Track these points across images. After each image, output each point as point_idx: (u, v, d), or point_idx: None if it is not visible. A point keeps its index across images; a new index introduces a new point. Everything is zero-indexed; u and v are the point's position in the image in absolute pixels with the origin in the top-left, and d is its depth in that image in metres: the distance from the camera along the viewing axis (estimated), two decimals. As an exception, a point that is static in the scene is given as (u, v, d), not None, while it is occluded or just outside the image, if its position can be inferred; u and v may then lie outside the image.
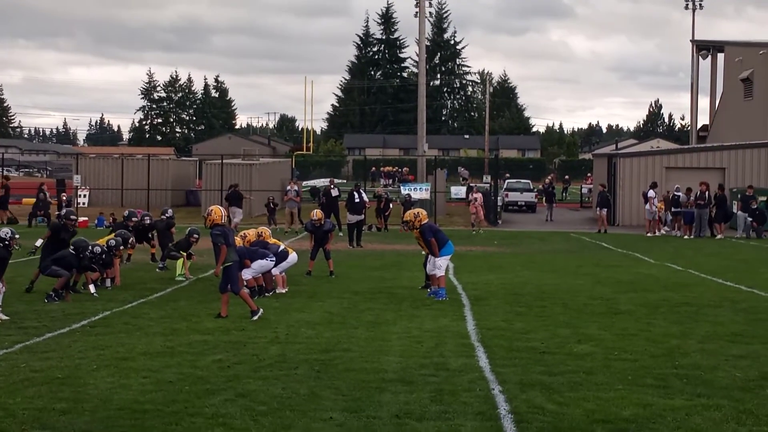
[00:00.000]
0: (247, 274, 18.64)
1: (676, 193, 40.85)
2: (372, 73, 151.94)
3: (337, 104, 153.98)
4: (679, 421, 9.43)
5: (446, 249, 19.16)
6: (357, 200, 34.88)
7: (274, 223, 40.47)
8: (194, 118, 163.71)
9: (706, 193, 39.52)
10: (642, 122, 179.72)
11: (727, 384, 11.17)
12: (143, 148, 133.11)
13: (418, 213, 19.64)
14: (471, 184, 57.61)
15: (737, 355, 13.03)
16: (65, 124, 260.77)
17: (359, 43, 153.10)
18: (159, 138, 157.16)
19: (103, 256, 19.76)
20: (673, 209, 41.00)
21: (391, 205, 43.65)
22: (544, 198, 57.26)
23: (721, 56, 56.13)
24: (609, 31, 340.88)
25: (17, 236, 16.48)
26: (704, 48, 57.45)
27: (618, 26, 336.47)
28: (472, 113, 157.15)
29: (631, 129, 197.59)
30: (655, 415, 9.65)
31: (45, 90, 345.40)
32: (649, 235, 40.09)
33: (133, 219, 24.74)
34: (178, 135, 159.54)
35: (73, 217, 20.70)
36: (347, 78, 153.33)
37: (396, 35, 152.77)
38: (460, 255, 29.10)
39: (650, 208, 41.12)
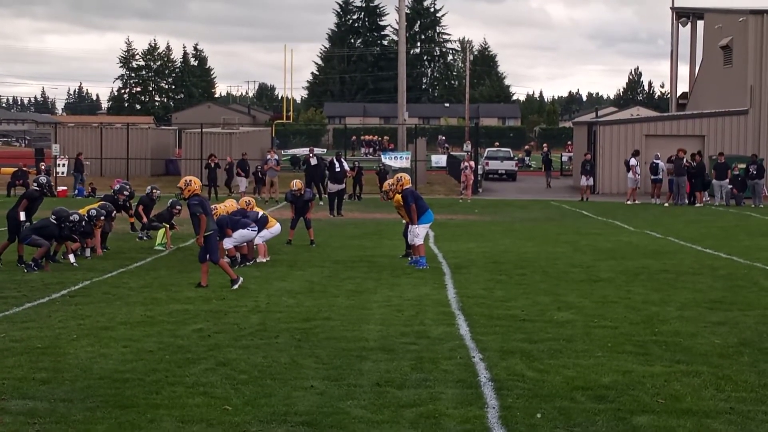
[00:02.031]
0: (228, 244, 18.63)
1: (655, 161, 40.95)
2: (352, 41, 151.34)
3: (317, 72, 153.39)
4: (659, 388, 9.48)
5: (426, 217, 19.13)
6: (338, 169, 34.80)
7: (260, 192, 40.40)
8: (173, 87, 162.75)
9: (683, 160, 39.63)
10: (622, 90, 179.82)
11: (706, 350, 11.23)
12: (122, 117, 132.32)
13: (400, 177, 19.59)
14: (463, 151, 57.74)
15: (716, 321, 13.10)
16: (43, 92, 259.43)
17: (339, 10, 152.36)
18: (138, 107, 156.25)
19: (83, 224, 19.66)
20: (652, 177, 41.12)
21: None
22: (543, 166, 57.67)
23: (700, 23, 56.00)
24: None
25: None
26: (684, 15, 57.30)
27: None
28: (453, 81, 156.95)
29: (611, 97, 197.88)
30: (634, 382, 9.70)
31: (21, 58, 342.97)
32: (629, 202, 40.19)
33: (124, 193, 23.93)
34: (157, 104, 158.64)
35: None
36: (327, 46, 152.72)
37: (376, 3, 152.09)
38: (440, 223, 29.13)
39: (633, 176, 41.23)
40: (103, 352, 10.98)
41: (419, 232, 19.01)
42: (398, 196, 19.76)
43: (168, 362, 10.46)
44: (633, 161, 41.44)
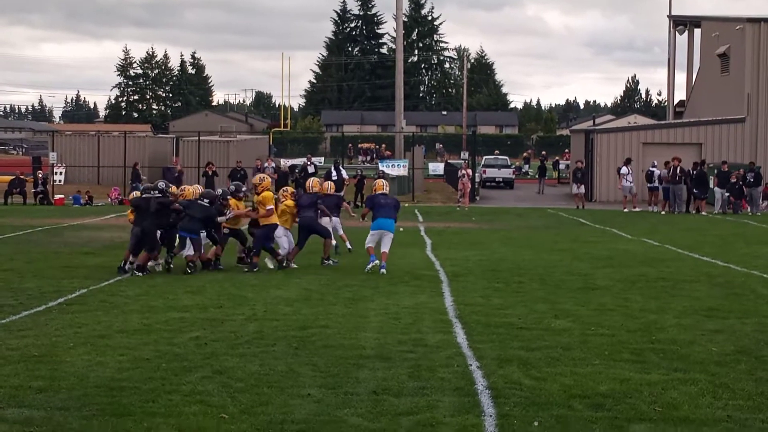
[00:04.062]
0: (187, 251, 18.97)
1: (651, 168, 40.98)
2: (349, 49, 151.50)
3: (314, 81, 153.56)
4: (656, 396, 9.48)
5: (374, 224, 19.78)
6: (335, 177, 34.81)
7: None
8: (171, 95, 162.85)
9: (678, 168, 39.64)
10: (619, 98, 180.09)
11: (704, 358, 11.22)
12: (120, 125, 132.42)
13: (374, 183, 20.61)
14: (460, 160, 58.09)
15: (713, 329, 13.10)
16: (41, 101, 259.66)
17: (336, 18, 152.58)
18: (135, 115, 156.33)
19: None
20: (648, 185, 41.16)
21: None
22: (537, 173, 58.37)
23: (697, 31, 56.07)
24: (583, 6, 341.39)
25: None
26: (681, 23, 57.39)
27: (591, 0, 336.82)
28: (450, 89, 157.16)
29: (609, 105, 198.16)
30: (631, 390, 9.69)
31: (17, 67, 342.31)
32: (625, 210, 40.21)
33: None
34: (154, 112, 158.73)
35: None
36: (324, 54, 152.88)
37: (373, 11, 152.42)
38: (438, 231, 29.16)
39: (624, 184, 41.25)
40: (99, 360, 10.96)
41: (369, 239, 19.82)
42: (265, 194, 19.76)
43: (165, 370, 10.44)
44: (624, 170, 41.44)
